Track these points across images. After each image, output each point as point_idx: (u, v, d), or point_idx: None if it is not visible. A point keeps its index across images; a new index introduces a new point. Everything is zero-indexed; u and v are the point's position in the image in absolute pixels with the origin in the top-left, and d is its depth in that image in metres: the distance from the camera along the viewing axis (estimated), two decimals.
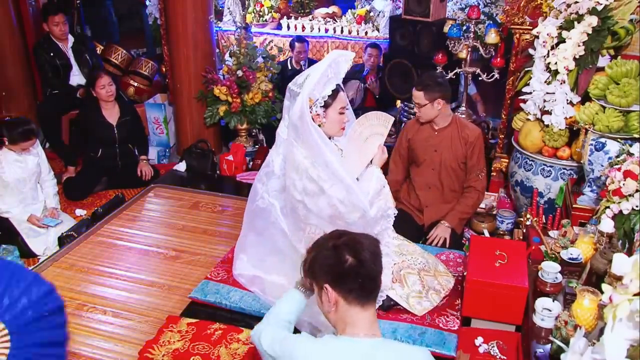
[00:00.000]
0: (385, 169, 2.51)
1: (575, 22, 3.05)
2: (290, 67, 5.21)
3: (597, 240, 2.32)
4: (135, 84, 5.26)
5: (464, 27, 4.19)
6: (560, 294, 2.25)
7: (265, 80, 4.55)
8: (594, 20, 2.98)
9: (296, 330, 1.73)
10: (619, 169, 2.35)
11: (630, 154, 2.47)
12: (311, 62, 4.87)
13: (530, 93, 3.29)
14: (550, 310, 2.06)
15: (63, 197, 3.96)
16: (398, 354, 1.48)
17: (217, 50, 5.18)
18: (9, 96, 4.99)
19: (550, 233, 2.76)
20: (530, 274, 2.37)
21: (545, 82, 3.20)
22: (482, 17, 4.59)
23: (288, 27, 5.92)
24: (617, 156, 2.61)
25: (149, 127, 4.88)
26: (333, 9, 6.02)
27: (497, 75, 3.91)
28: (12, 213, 3.43)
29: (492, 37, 3.88)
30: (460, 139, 3.09)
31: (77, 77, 4.65)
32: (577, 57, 3.05)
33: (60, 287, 2.87)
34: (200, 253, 3.20)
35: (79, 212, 3.90)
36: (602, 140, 2.83)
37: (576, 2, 3.05)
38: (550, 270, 2.25)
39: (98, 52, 5.21)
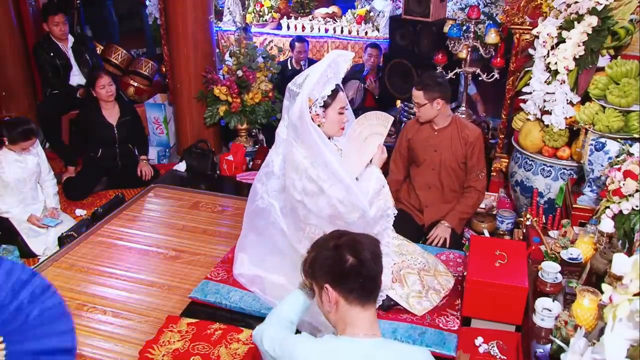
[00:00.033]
0: (385, 169, 2.51)
1: (575, 22, 3.05)
2: (290, 67, 5.21)
3: (597, 240, 2.32)
4: (135, 84, 5.26)
5: (464, 27, 4.19)
6: (560, 294, 2.25)
7: (265, 80, 4.55)
8: (594, 20, 2.98)
9: (296, 331, 1.73)
10: (619, 169, 2.36)
11: (630, 154, 2.47)
12: (311, 62, 4.87)
13: (530, 93, 3.29)
14: (550, 310, 2.06)
15: (63, 197, 3.96)
16: (398, 354, 1.48)
17: (217, 50, 5.18)
18: (9, 96, 4.99)
19: (550, 233, 2.76)
20: (530, 274, 2.37)
21: (545, 82, 3.20)
22: (482, 17, 4.59)
23: (288, 27, 5.92)
24: (617, 156, 2.61)
25: (149, 127, 4.88)
26: (333, 9, 6.02)
27: (497, 75, 3.91)
28: (12, 213, 3.43)
29: (492, 37, 3.88)
30: (460, 139, 3.09)
31: (77, 77, 4.65)
32: (577, 57, 3.05)
33: (60, 287, 2.87)
34: (200, 253, 3.20)
35: (79, 212, 3.90)
36: (602, 140, 2.83)
37: (576, 2, 3.05)
38: (550, 270, 2.25)
39: (98, 52, 5.21)
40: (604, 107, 2.89)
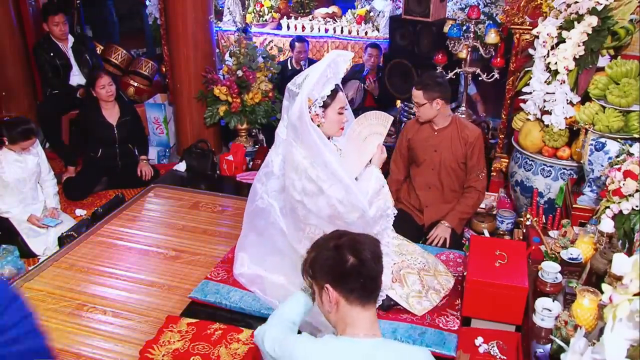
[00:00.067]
0: (384, 169, 2.51)
1: (575, 22, 3.05)
2: (290, 67, 5.21)
3: (597, 240, 2.33)
4: (135, 84, 5.26)
5: (464, 27, 4.19)
6: (560, 294, 2.25)
7: (265, 80, 4.55)
8: (594, 20, 2.98)
9: (297, 331, 1.73)
10: (619, 169, 2.36)
11: (630, 154, 2.48)
12: (311, 62, 4.87)
13: (530, 93, 3.29)
14: (550, 310, 2.06)
15: (63, 197, 3.96)
16: (398, 354, 1.48)
17: (217, 50, 5.18)
18: (9, 96, 4.99)
19: (550, 233, 2.76)
20: (530, 274, 2.37)
21: (545, 82, 3.20)
22: (482, 17, 4.59)
23: (288, 27, 5.92)
24: (617, 156, 2.61)
25: (149, 127, 4.88)
26: (333, 9, 6.02)
27: (497, 75, 3.91)
28: (12, 213, 3.43)
29: (492, 37, 3.88)
30: (460, 139, 3.09)
31: (77, 77, 4.65)
32: (577, 57, 3.05)
33: (60, 287, 2.88)
34: (200, 253, 3.20)
35: (79, 212, 3.90)
36: (602, 140, 2.83)
37: (576, 2, 3.05)
38: (550, 270, 2.25)
39: (98, 52, 5.21)
40: (604, 107, 2.89)
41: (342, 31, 5.70)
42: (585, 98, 3.08)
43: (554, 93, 3.15)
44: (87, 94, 4.29)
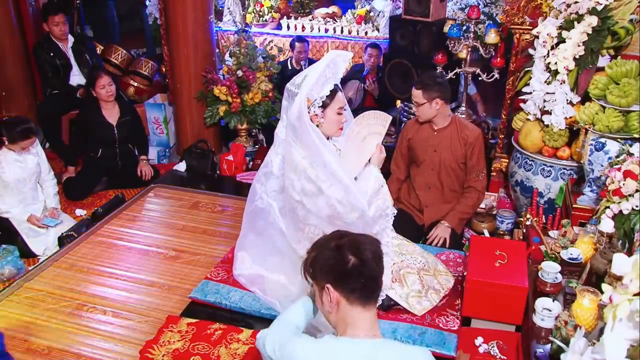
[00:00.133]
0: (384, 168, 2.51)
1: (575, 22, 3.05)
2: (290, 67, 5.21)
3: (597, 240, 2.33)
4: (135, 84, 5.26)
5: (464, 27, 4.19)
6: (560, 294, 2.25)
7: (265, 80, 4.55)
8: (594, 20, 2.98)
9: None
10: (619, 169, 2.36)
11: (630, 154, 2.48)
12: (311, 62, 4.87)
13: (530, 93, 3.29)
14: (550, 310, 2.06)
15: (63, 197, 3.96)
16: (399, 354, 1.48)
17: (217, 50, 5.18)
18: (9, 96, 4.99)
19: (550, 233, 2.76)
20: (530, 274, 2.37)
21: (545, 82, 3.20)
22: (482, 17, 4.58)
23: (288, 27, 5.92)
24: (617, 156, 2.61)
25: (149, 127, 4.88)
26: (333, 9, 6.02)
27: (497, 75, 3.91)
28: (12, 213, 3.43)
29: (492, 37, 3.88)
30: (460, 139, 3.09)
31: (77, 77, 4.65)
32: (577, 57, 3.05)
33: (60, 287, 2.88)
34: (200, 253, 3.20)
35: (79, 212, 3.90)
36: (602, 140, 2.83)
37: (576, 2, 3.05)
38: (550, 270, 2.25)
39: (98, 52, 5.21)
40: (604, 107, 2.89)
41: (342, 31, 5.70)
42: (585, 98, 3.08)
43: (554, 93, 3.15)
44: (87, 94, 4.30)
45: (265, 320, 2.52)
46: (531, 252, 2.61)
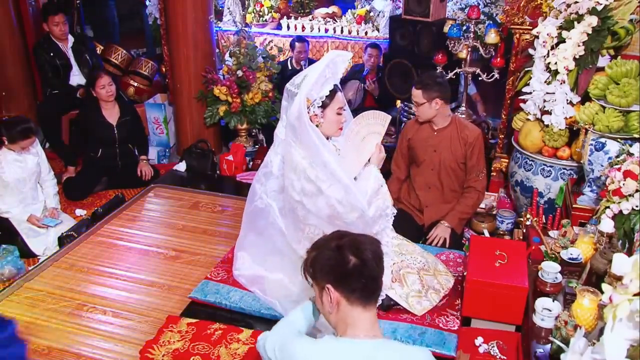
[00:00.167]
0: (384, 168, 2.51)
1: (575, 22, 3.05)
2: (290, 67, 5.21)
3: (597, 240, 2.33)
4: (135, 84, 5.26)
5: (464, 27, 4.19)
6: (560, 294, 2.25)
7: (265, 80, 4.55)
8: (594, 20, 2.98)
9: None
10: (619, 169, 2.36)
11: (630, 154, 2.48)
12: (311, 62, 4.87)
13: (530, 93, 3.29)
14: (550, 310, 2.06)
15: (63, 197, 3.96)
16: (399, 354, 1.48)
17: (217, 50, 5.18)
18: (9, 96, 4.99)
19: (550, 233, 2.76)
20: (530, 274, 2.37)
21: (545, 82, 3.20)
22: (482, 17, 4.58)
23: (288, 27, 5.92)
24: (617, 156, 2.61)
25: (149, 127, 4.88)
26: (333, 9, 6.02)
27: (497, 75, 3.91)
28: (12, 213, 3.43)
29: (492, 37, 3.88)
30: (460, 139, 3.09)
31: (77, 77, 4.65)
32: (577, 57, 3.05)
33: (60, 287, 2.88)
34: (200, 253, 3.20)
35: (79, 212, 3.90)
36: (602, 140, 2.83)
37: (576, 2, 3.05)
38: (550, 270, 2.25)
39: (98, 52, 5.21)
40: (604, 107, 2.89)
41: (342, 31, 5.70)
42: (585, 98, 3.08)
43: (554, 93, 3.15)
44: (87, 94, 4.30)
45: (265, 320, 2.53)
46: (531, 252, 2.61)
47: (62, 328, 2.57)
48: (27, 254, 3.35)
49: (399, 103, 4.52)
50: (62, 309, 2.71)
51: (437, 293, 2.57)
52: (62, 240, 3.36)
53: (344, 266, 1.48)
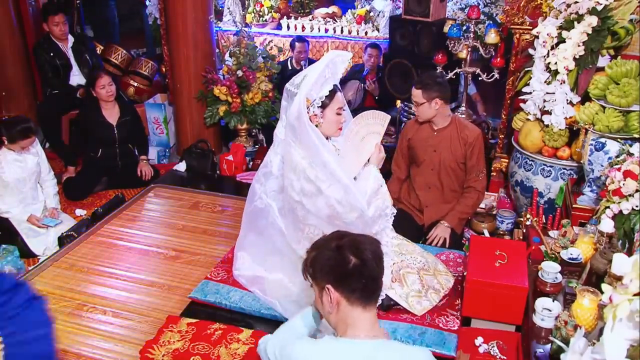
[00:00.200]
0: (383, 168, 2.51)
1: (575, 22, 3.05)
2: (290, 67, 5.21)
3: (597, 240, 2.33)
4: (135, 84, 5.26)
5: (464, 27, 4.19)
6: (560, 294, 2.25)
7: (265, 80, 4.55)
8: (594, 20, 2.98)
9: None
10: (619, 169, 2.36)
11: (630, 154, 2.48)
12: (311, 62, 4.87)
13: (530, 93, 3.29)
14: (550, 310, 2.06)
15: (63, 197, 3.96)
16: (399, 354, 1.48)
17: (217, 50, 5.18)
18: (9, 96, 4.99)
19: (550, 233, 2.76)
20: (530, 274, 2.37)
21: (545, 82, 3.20)
22: (482, 17, 4.59)
23: (288, 27, 5.92)
24: (617, 156, 2.61)
25: (149, 127, 4.88)
26: (333, 9, 6.02)
27: (497, 75, 3.91)
28: (12, 213, 3.43)
29: (492, 37, 3.88)
30: (460, 139, 3.09)
31: (77, 77, 4.66)
32: (577, 57, 3.05)
33: (60, 287, 2.88)
34: (200, 253, 3.19)
35: (79, 212, 3.90)
36: (602, 140, 2.83)
37: (576, 2, 3.05)
38: (550, 270, 2.25)
39: (98, 52, 5.21)
40: (604, 107, 2.89)
41: (342, 31, 5.70)
42: (585, 98, 3.08)
43: (554, 93, 3.15)
44: (87, 94, 4.30)
45: (265, 320, 2.53)
46: (531, 252, 2.61)
47: (62, 328, 2.57)
48: (27, 254, 3.35)
49: (399, 103, 4.52)
50: (62, 309, 2.71)
51: (437, 293, 2.57)
52: (62, 240, 3.36)
53: (344, 266, 1.48)
